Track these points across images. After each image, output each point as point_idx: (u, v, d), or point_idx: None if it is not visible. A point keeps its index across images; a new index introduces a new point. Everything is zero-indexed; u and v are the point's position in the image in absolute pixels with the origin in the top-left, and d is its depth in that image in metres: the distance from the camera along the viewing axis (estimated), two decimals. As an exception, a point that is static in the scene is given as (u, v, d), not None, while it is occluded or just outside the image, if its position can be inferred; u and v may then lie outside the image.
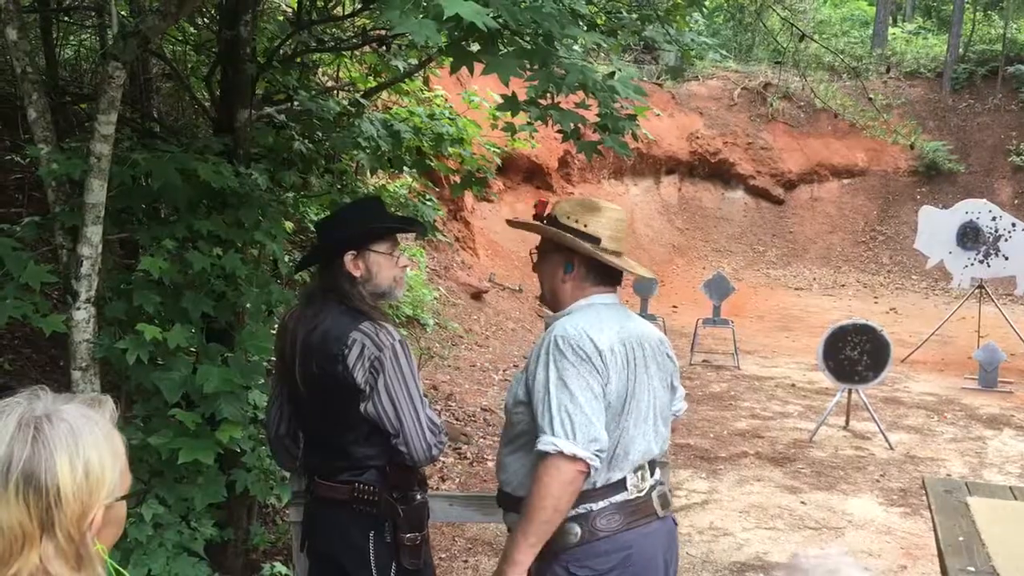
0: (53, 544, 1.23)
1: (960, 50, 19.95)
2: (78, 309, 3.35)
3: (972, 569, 2.83)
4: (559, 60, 2.83)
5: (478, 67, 2.76)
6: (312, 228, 4.95)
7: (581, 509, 2.27)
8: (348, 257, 2.63)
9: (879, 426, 7.32)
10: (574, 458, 2.16)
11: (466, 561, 4.97)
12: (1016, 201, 16.53)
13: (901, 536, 5.44)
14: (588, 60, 3.19)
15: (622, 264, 2.43)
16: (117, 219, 3.62)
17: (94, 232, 3.29)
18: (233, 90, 4.14)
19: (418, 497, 2.76)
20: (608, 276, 2.45)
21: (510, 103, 3.61)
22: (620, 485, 2.32)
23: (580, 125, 3.80)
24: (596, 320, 2.32)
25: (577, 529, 2.28)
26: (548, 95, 3.64)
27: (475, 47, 2.86)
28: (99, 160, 3.22)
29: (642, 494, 2.35)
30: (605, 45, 2.92)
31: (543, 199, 2.48)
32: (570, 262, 2.42)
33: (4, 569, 1.20)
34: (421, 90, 5.89)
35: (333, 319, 2.64)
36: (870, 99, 6.74)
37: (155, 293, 3.44)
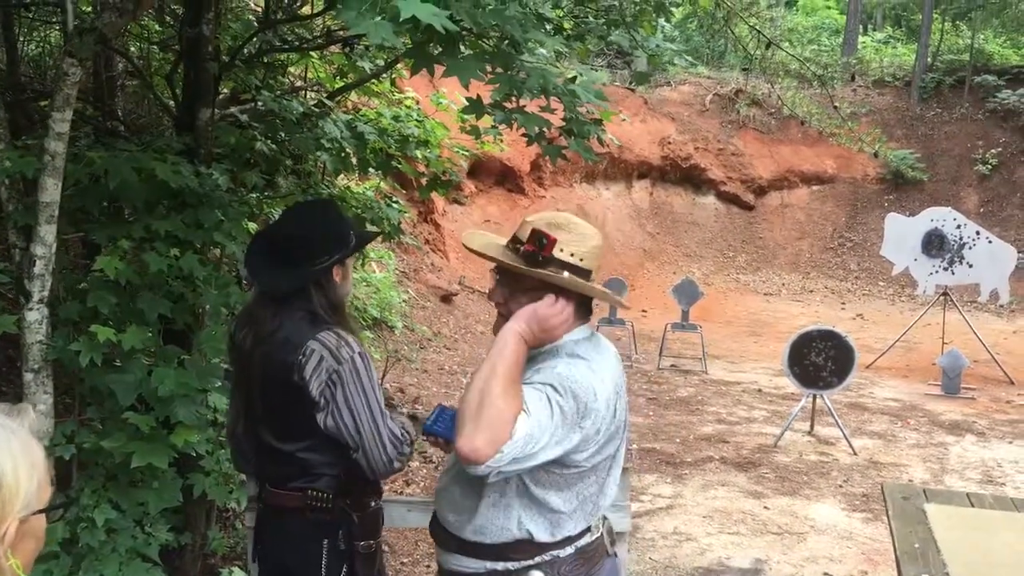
0: None
1: (928, 59, 20.20)
2: (31, 310, 3.29)
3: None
4: (521, 63, 2.81)
5: (439, 69, 2.74)
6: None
7: (547, 556, 2.13)
8: (336, 267, 2.60)
9: (843, 432, 7.37)
10: (478, 450, 1.91)
11: (428, 566, 4.94)
12: (982, 209, 16.76)
13: (862, 541, 5.48)
14: (556, 64, 3.18)
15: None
16: (73, 218, 3.56)
17: (48, 231, 3.23)
18: (195, 89, 4.08)
19: (372, 504, 2.73)
20: (588, 306, 2.20)
21: (475, 106, 3.60)
22: (586, 530, 2.18)
23: (546, 129, 3.79)
24: (596, 369, 2.08)
25: None
26: (513, 98, 3.63)
27: (438, 50, 2.85)
28: (53, 158, 3.16)
29: (597, 535, 2.21)
30: (569, 50, 2.91)
31: (551, 237, 2.10)
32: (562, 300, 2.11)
33: None
34: (391, 92, 5.86)
35: (292, 325, 2.58)
36: (835, 107, 6.81)
37: (111, 294, 3.38)
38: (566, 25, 3.97)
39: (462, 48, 2.78)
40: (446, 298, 10.80)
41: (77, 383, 3.46)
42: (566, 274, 2.09)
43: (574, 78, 2.96)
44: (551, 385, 2.00)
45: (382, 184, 8.10)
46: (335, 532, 2.64)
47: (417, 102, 5.84)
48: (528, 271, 2.10)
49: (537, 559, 2.12)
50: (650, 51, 3.89)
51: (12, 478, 1.22)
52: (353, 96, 6.30)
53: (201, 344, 3.50)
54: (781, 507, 6.01)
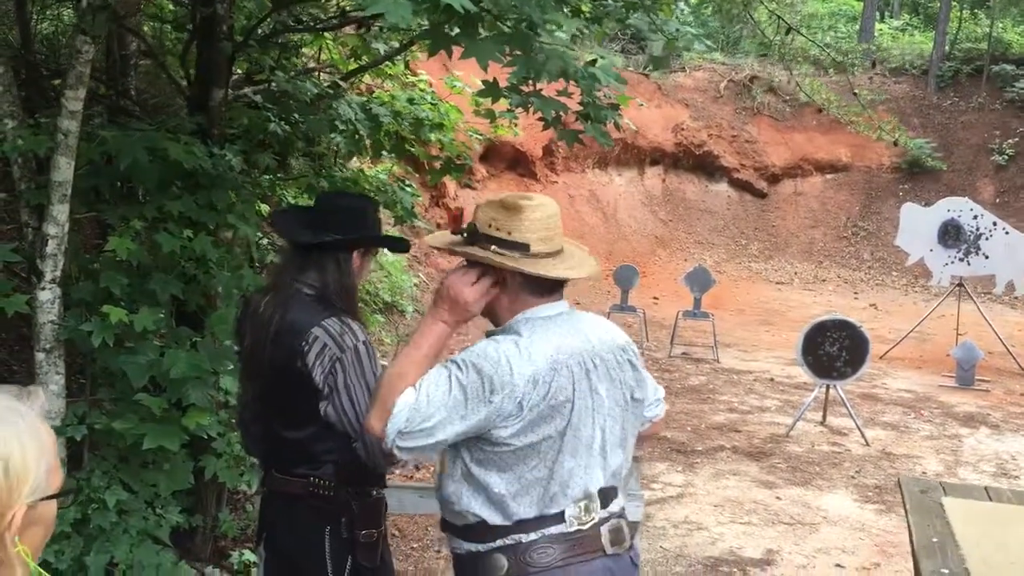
0: None
1: (946, 48, 19.99)
2: (43, 289, 3.27)
3: (946, 571, 2.81)
4: (540, 46, 2.77)
5: (456, 51, 2.69)
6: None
7: (510, 540, 2.08)
8: (357, 253, 2.58)
9: (856, 422, 7.32)
10: (372, 427, 2.05)
11: (439, 551, 4.92)
12: (998, 200, 16.61)
13: (875, 533, 5.44)
14: (573, 48, 3.13)
15: (552, 271, 2.13)
16: (85, 198, 3.54)
17: (60, 211, 3.21)
18: (208, 69, 4.05)
19: (375, 493, 2.71)
20: (548, 283, 2.16)
21: (491, 89, 3.55)
22: (557, 517, 2.09)
23: (562, 113, 3.74)
24: (527, 344, 2.06)
25: (504, 562, 2.08)
26: (530, 82, 3.58)
27: (456, 31, 2.80)
28: (66, 137, 3.14)
29: (585, 527, 2.11)
30: (588, 32, 2.86)
31: (454, 213, 2.20)
32: (501, 278, 2.14)
33: None
34: (404, 74, 5.80)
35: (299, 309, 2.57)
36: (855, 94, 6.72)
37: (123, 275, 3.36)
38: (584, 7, 3.91)
39: (480, 30, 2.73)
40: (457, 283, 10.76)
41: (89, 364, 3.45)
42: (493, 248, 2.08)
43: (594, 61, 2.91)
44: (454, 361, 2.04)
45: (395, 168, 8.07)
46: (337, 520, 2.62)
47: (430, 84, 5.79)
48: (454, 250, 2.15)
49: (499, 542, 2.09)
50: (669, 35, 3.82)
51: (20, 463, 1.18)
52: (366, 78, 6.26)
53: (213, 326, 3.48)
54: (793, 497, 5.97)
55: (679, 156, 18.20)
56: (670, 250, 16.71)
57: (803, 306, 13.99)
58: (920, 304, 14.20)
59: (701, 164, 18.38)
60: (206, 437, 3.66)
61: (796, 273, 16.55)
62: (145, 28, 5.03)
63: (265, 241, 4.66)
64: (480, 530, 2.13)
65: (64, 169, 3.16)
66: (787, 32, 5.24)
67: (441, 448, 2.08)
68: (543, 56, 2.81)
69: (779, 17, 4.94)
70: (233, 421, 4.13)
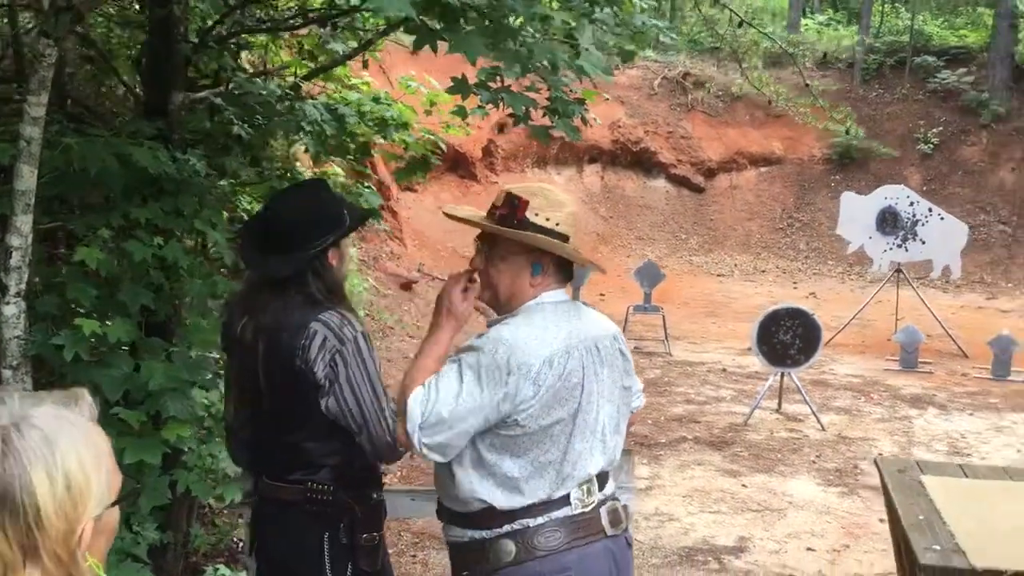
0: (40, 569, 1.08)
1: (869, 41, 20.51)
2: (8, 304, 3.12)
3: (938, 547, 2.86)
4: (524, 39, 2.74)
5: (442, 47, 2.66)
6: (246, 217, 4.76)
7: (517, 525, 2.11)
8: (332, 250, 2.52)
9: (812, 408, 7.46)
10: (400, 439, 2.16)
11: (414, 556, 4.87)
12: (925, 188, 17.06)
13: (841, 516, 5.54)
14: (563, 40, 3.11)
15: (595, 263, 2.29)
16: (47, 208, 3.40)
17: (24, 221, 3.07)
18: (165, 72, 3.93)
19: (374, 496, 2.67)
20: (564, 273, 2.26)
21: (460, 86, 3.51)
22: (563, 500, 2.14)
23: (531, 109, 3.72)
24: (541, 326, 2.12)
25: (511, 547, 2.11)
26: (498, 78, 3.56)
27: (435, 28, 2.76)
28: (29, 144, 3.00)
29: (588, 509, 2.16)
30: (573, 24, 2.85)
31: (523, 199, 2.17)
32: (539, 263, 2.18)
33: None
34: (347, 76, 5.71)
35: (291, 310, 2.52)
36: (807, 85, 6.87)
37: (90, 285, 3.24)
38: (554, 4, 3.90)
39: (463, 23, 2.70)
40: (406, 286, 10.69)
41: (58, 379, 3.32)
42: (542, 236, 2.15)
43: (578, 53, 2.90)
44: (463, 351, 2.11)
45: (339, 171, 7.95)
46: (336, 525, 2.57)
47: (371, 86, 5.70)
48: (506, 231, 2.16)
49: (507, 527, 2.11)
50: (636, 29, 3.84)
51: (81, 476, 1.12)
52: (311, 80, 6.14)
53: (189, 336, 3.37)
54: (758, 484, 6.05)
55: (617, 153, 18.36)
56: (612, 246, 16.82)
57: (745, 297, 14.21)
58: (857, 291, 14.53)
59: (638, 161, 18.56)
60: (179, 450, 3.56)
61: (736, 265, 16.82)
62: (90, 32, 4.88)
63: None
64: (486, 516, 2.14)
65: (27, 178, 3.02)
66: (739, 25, 5.32)
67: (467, 439, 2.08)
68: (526, 50, 2.79)
69: (732, 11, 5.02)
70: (204, 432, 4.04)
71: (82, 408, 1.19)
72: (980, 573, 2.71)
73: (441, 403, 2.03)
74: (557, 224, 2.17)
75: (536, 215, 2.16)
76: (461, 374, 2.06)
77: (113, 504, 1.18)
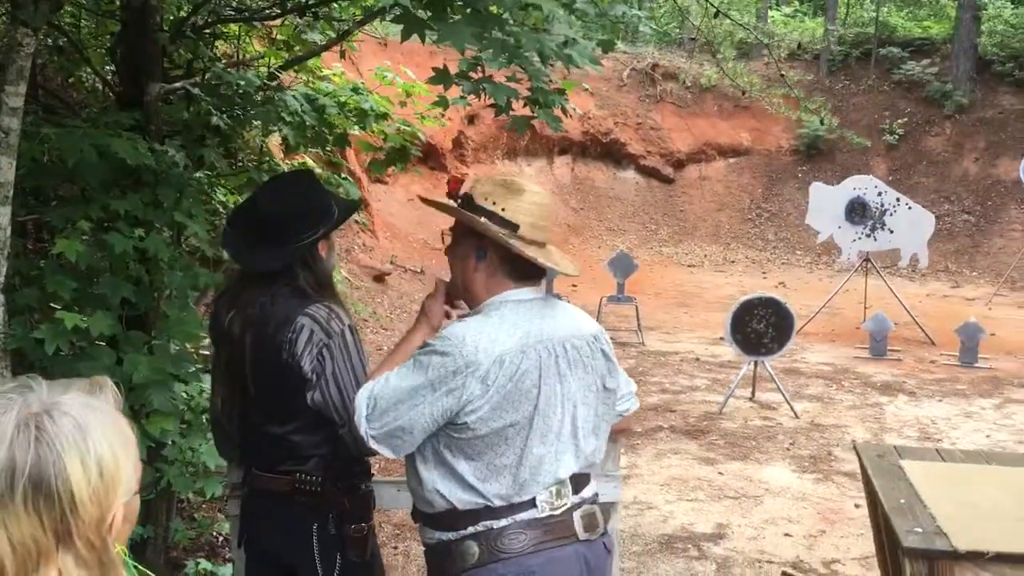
0: (72, 555, 1.09)
1: (837, 32, 20.70)
2: (-14, 298, 3.09)
3: (920, 530, 2.90)
4: (511, 29, 2.74)
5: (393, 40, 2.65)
6: (222, 209, 4.72)
7: (480, 527, 2.08)
8: (322, 242, 2.52)
9: (785, 396, 7.54)
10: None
11: (395, 547, 4.87)
12: (891, 178, 17.26)
13: (816, 502, 5.61)
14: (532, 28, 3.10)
15: (538, 256, 2.13)
16: (24, 200, 3.35)
17: (3, 214, 3.03)
18: (141, 62, 3.88)
19: (363, 487, 2.67)
20: (529, 270, 2.17)
21: (442, 76, 3.51)
22: (529, 503, 2.09)
23: (513, 99, 3.72)
24: (496, 325, 2.08)
25: (475, 549, 2.08)
26: (479, 68, 3.55)
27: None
28: (7, 135, 2.96)
29: (557, 512, 2.10)
30: (562, 13, 2.84)
31: (457, 176, 2.27)
32: (483, 249, 2.15)
33: None
34: (318, 67, 5.68)
35: (281, 303, 2.52)
36: (782, 75, 6.91)
37: (70, 278, 3.20)
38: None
39: (450, 13, 2.69)
40: (379, 278, 10.65)
41: (39, 374, 3.28)
42: (484, 219, 2.14)
43: (566, 42, 2.90)
44: (419, 348, 2.13)
45: (311, 162, 7.90)
46: (325, 516, 2.58)
47: (341, 76, 5.66)
48: (450, 207, 2.21)
49: (471, 529, 2.09)
50: (616, 19, 3.84)
51: (112, 463, 1.12)
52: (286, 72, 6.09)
53: (170, 328, 3.34)
54: (734, 472, 6.11)
55: (587, 145, 18.38)
56: (583, 238, 16.86)
57: (716, 287, 14.32)
58: (825, 280, 14.69)
59: (608, 152, 18.60)
60: (162, 444, 3.54)
61: (706, 256, 16.93)
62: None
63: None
64: (450, 517, 2.12)
65: (6, 170, 2.98)
66: (715, 15, 5.35)
67: (416, 435, 2.08)
68: (512, 40, 2.78)
69: (708, 2, 5.05)
70: (184, 426, 4.00)
71: (107, 396, 1.20)
72: (962, 555, 2.75)
73: (388, 396, 2.06)
74: (503, 210, 2.13)
75: (485, 199, 2.15)
76: (412, 370, 2.06)
77: (137, 492, 1.18)
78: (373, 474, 2.80)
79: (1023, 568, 2.76)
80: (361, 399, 2.10)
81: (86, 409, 1.15)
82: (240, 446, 2.73)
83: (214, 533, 4.58)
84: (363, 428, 2.08)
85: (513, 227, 2.13)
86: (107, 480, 1.12)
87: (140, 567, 1.25)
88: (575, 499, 2.15)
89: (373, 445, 2.09)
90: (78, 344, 3.29)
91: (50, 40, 4.62)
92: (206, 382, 3.99)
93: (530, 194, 2.19)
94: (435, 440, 2.10)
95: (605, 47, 4.08)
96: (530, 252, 2.12)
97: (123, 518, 1.16)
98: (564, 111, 4.05)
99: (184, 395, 3.99)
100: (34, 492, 1.07)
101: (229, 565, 4.14)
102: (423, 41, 2.61)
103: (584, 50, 2.84)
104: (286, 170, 4.38)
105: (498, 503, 2.08)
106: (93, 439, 1.12)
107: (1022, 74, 18.28)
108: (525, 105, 3.94)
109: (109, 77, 4.35)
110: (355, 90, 4.29)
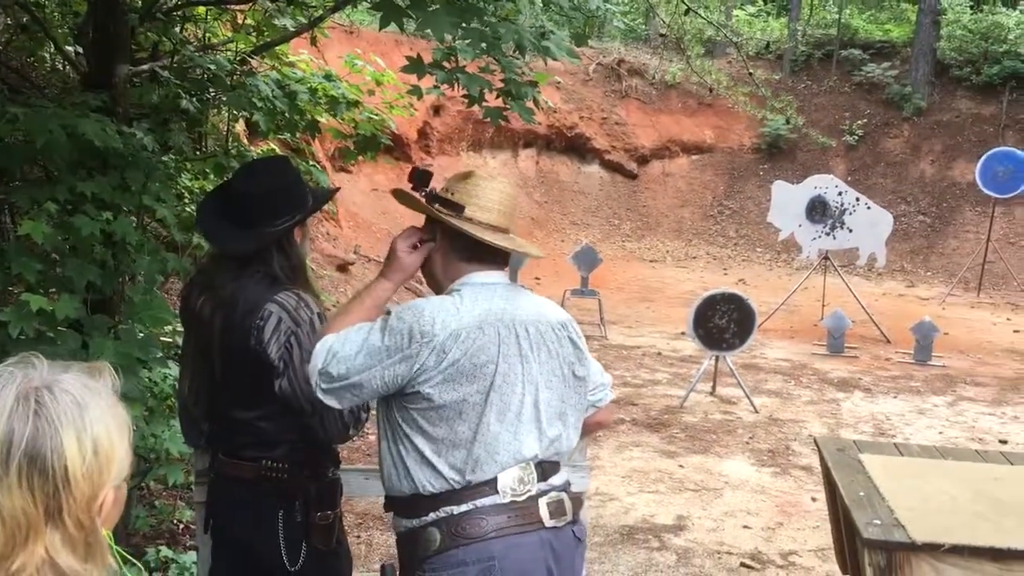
0: (60, 533, 1.09)
1: (800, 33, 20.93)
2: (-52, 278, 3.04)
3: (878, 522, 2.97)
4: (489, 19, 2.75)
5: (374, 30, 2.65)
6: (187, 194, 4.67)
7: (441, 512, 2.08)
8: (297, 228, 2.51)
9: (745, 391, 7.63)
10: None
11: (358, 536, 4.86)
12: (849, 178, 17.51)
13: (775, 495, 5.70)
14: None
15: (484, 235, 2.16)
16: (-12, 180, 3.30)
17: (-33, 193, 2.98)
18: (110, 43, 3.83)
19: (330, 474, 2.67)
20: (484, 253, 2.21)
21: (415, 65, 3.51)
22: (490, 487, 2.08)
23: (486, 90, 3.73)
24: (456, 302, 2.12)
25: (436, 535, 2.08)
26: (453, 59, 3.56)
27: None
28: (-27, 114, 2.91)
29: (521, 499, 2.09)
30: (530, 5, 2.86)
31: (416, 167, 2.28)
32: (433, 233, 2.25)
33: (4, 563, 1.05)
34: (285, 53, 5.64)
35: (251, 288, 2.50)
36: (750, 73, 6.96)
37: (35, 261, 3.15)
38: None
39: (428, 0, 2.69)
40: (343, 267, 10.60)
41: (2, 357, 3.22)
42: (437, 205, 2.19)
43: (543, 34, 2.91)
44: (383, 314, 2.15)
45: (276, 148, 7.84)
46: (291, 503, 2.57)
47: (308, 64, 5.63)
48: (402, 194, 2.28)
49: (432, 515, 2.09)
50: (590, 13, 3.87)
51: (107, 443, 1.13)
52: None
53: (137, 313, 3.31)
54: (695, 465, 6.18)
55: (552, 138, 18.42)
56: (546, 231, 16.91)
57: (677, 282, 14.44)
58: (784, 278, 14.88)
59: (573, 146, 18.66)
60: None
61: (668, 251, 17.06)
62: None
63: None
64: (414, 503, 2.13)
65: (-30, 149, 2.94)
66: (685, 12, 5.39)
67: (365, 397, 2.13)
68: (490, 31, 2.79)
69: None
70: (147, 413, 3.96)
71: (105, 380, 1.20)
72: (920, 546, 2.82)
73: (344, 354, 2.08)
74: (452, 194, 2.21)
75: (444, 190, 2.23)
76: (370, 332, 2.09)
77: (126, 478, 1.18)
78: (340, 461, 2.80)
79: (977, 560, 2.84)
80: (319, 350, 2.11)
81: (86, 389, 1.16)
82: (207, 431, 2.71)
83: (175, 520, 4.55)
84: (315, 379, 2.12)
85: (459, 208, 2.19)
86: (101, 459, 1.12)
87: (124, 552, 1.24)
88: (542, 486, 2.14)
89: (319, 395, 2.13)
90: (40, 328, 3.24)
91: (10, 19, 4.55)
92: (170, 369, 3.96)
93: (480, 179, 2.26)
94: (396, 415, 2.13)
95: (579, 41, 4.12)
96: (472, 229, 2.16)
97: (112, 502, 1.15)
98: (536, 103, 4.08)
99: (148, 381, 3.96)
100: (29, 465, 1.08)
101: (191, 553, 4.11)
102: (402, 29, 2.61)
103: (561, 42, 2.86)
104: (254, 156, 4.35)
105: (455, 479, 2.08)
106: (91, 417, 1.12)
107: (979, 79, 18.62)
108: (498, 96, 3.96)
109: (74, 57, 4.29)
110: (327, 77, 4.26)
